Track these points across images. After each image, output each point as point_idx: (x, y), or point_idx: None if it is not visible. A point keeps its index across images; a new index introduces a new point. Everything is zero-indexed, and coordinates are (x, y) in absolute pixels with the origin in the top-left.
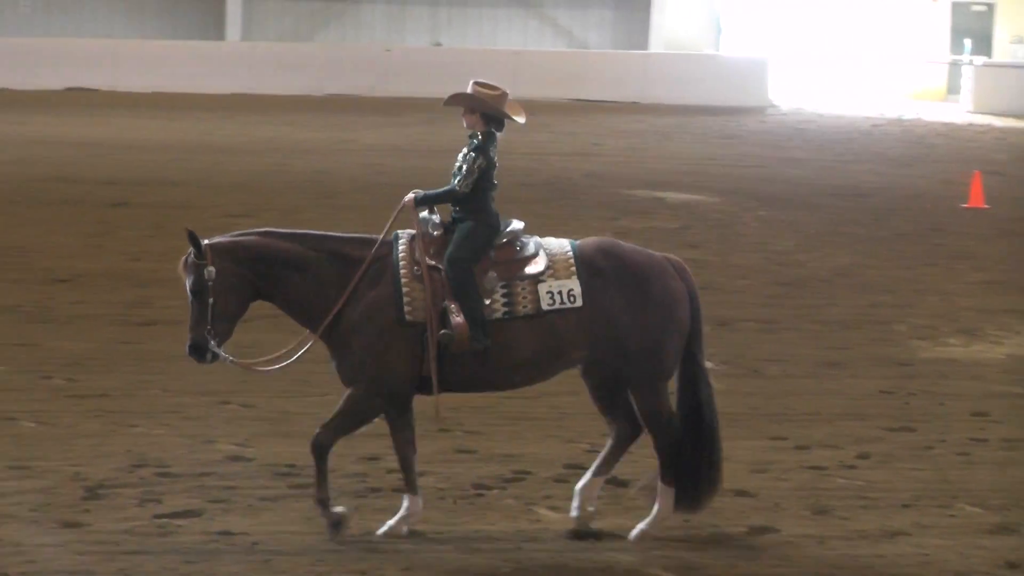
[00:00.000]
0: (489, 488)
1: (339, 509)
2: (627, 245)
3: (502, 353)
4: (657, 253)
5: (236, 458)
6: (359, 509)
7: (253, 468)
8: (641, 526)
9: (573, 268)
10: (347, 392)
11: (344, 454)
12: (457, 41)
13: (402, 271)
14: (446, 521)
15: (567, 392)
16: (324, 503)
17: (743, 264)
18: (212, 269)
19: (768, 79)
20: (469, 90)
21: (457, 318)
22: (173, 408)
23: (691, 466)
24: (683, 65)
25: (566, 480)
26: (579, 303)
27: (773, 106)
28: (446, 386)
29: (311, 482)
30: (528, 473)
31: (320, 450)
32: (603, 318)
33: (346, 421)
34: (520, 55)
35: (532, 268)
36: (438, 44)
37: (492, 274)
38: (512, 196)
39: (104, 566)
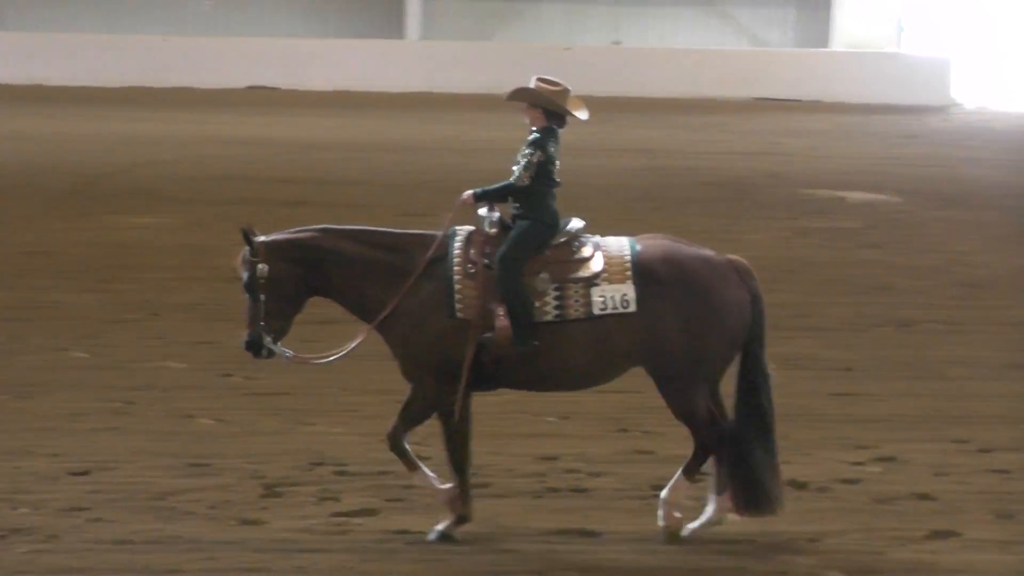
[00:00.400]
0: None
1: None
2: (687, 248)
3: (552, 355)
4: (718, 256)
5: (419, 458)
6: (537, 509)
7: (430, 467)
8: (700, 520)
9: (628, 272)
10: (414, 389)
11: (522, 454)
12: (637, 40)
13: (456, 268)
14: (625, 522)
15: None
16: (463, 520)
17: (925, 265)
18: (264, 266)
19: (951, 77)
20: (531, 85)
21: (501, 320)
22: (351, 407)
23: (758, 468)
24: (865, 64)
25: None
26: (632, 308)
27: (956, 104)
28: (500, 383)
29: (489, 482)
30: (706, 475)
31: (458, 466)
32: (657, 324)
33: (448, 426)
34: (701, 54)
35: (586, 271)
36: (618, 43)
37: (545, 275)
38: (692, 196)
39: (281, 564)
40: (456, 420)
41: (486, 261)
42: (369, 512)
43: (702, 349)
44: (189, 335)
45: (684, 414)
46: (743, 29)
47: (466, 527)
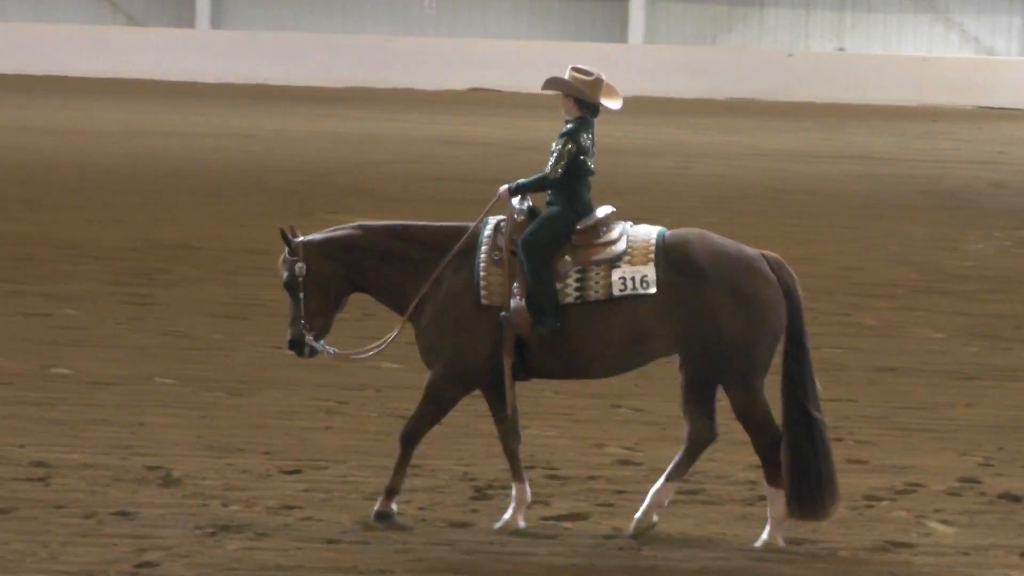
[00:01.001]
0: (880, 499)
1: (394, 507)
2: (717, 238)
3: (575, 338)
4: (751, 249)
5: (625, 462)
6: (745, 518)
7: (642, 472)
8: (763, 536)
9: (651, 255)
10: (426, 379)
11: (733, 461)
12: (861, 47)
13: (482, 256)
14: (835, 532)
15: (962, 404)
16: (391, 493)
17: None
18: (302, 265)
19: None
20: (566, 76)
21: (518, 302)
22: (564, 410)
23: (810, 471)
24: None
25: (959, 494)
26: (652, 289)
27: None
28: (530, 372)
29: (700, 488)
30: (920, 486)
31: (407, 441)
32: (685, 309)
33: (429, 409)
34: (925, 61)
35: (609, 253)
36: (841, 49)
37: (567, 258)
38: (912, 204)
39: (490, 566)
40: (439, 398)
41: (513, 249)
42: (579, 516)
43: (743, 340)
44: (404, 335)
45: (743, 413)
46: (968, 36)
47: (673, 532)
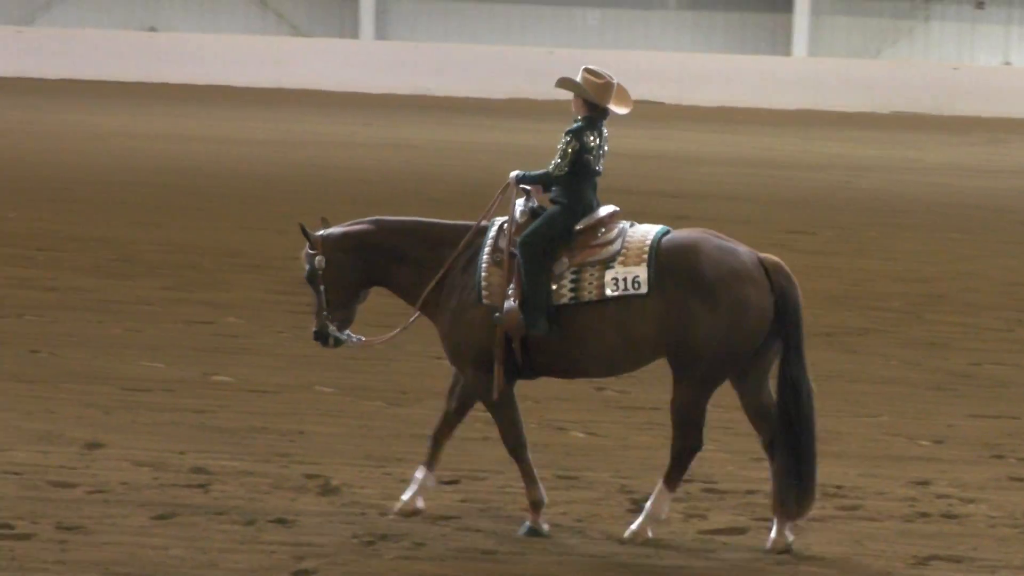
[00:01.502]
0: None
1: (543, 522)
2: (715, 241)
3: (570, 338)
4: (750, 252)
5: None
6: (905, 534)
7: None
8: (632, 527)
9: (645, 256)
10: (466, 388)
11: (894, 477)
12: None
13: (485, 256)
14: (995, 551)
15: None
16: (536, 505)
17: None
18: (322, 258)
19: None
20: (578, 77)
21: (511, 302)
22: (724, 423)
23: (793, 473)
24: None
25: None
26: (643, 290)
27: None
28: (535, 370)
29: (859, 504)
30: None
31: (516, 453)
32: (672, 310)
33: (498, 413)
34: None
35: (603, 253)
36: (1007, 63)
37: (564, 259)
38: None
39: None
40: (499, 405)
41: (513, 249)
42: (737, 531)
43: (715, 345)
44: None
45: (678, 412)
46: None
47: (834, 548)
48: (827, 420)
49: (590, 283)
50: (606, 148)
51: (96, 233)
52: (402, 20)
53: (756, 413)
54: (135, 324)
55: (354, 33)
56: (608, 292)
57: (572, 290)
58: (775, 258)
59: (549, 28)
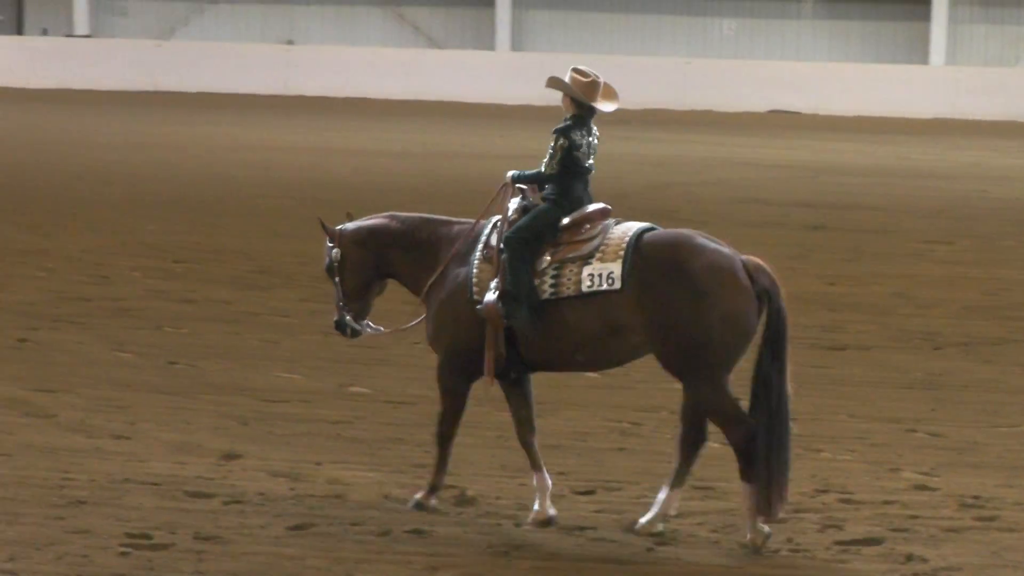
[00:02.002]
0: None
1: (434, 502)
2: (697, 239)
3: (551, 332)
4: (731, 252)
5: (921, 487)
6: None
7: (938, 498)
8: (748, 535)
9: (622, 252)
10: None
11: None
12: None
13: (478, 252)
14: None
15: None
16: (433, 489)
17: None
18: (337, 251)
19: None
20: (567, 77)
21: (491, 294)
22: (860, 434)
23: (764, 472)
24: None
25: None
26: (616, 285)
27: None
28: (524, 364)
29: (996, 515)
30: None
31: (441, 440)
32: (649, 307)
33: (445, 402)
34: None
35: (583, 250)
36: None
37: (547, 255)
38: None
39: None
40: (452, 394)
41: (500, 245)
42: (873, 541)
43: (700, 336)
44: None
45: (708, 408)
46: None
47: (971, 559)
48: (965, 430)
49: (569, 278)
50: (596, 145)
51: (233, 245)
52: (538, 31)
53: (682, 411)
54: (272, 335)
55: (490, 44)
56: (584, 288)
57: (552, 285)
58: (757, 259)
59: (685, 38)
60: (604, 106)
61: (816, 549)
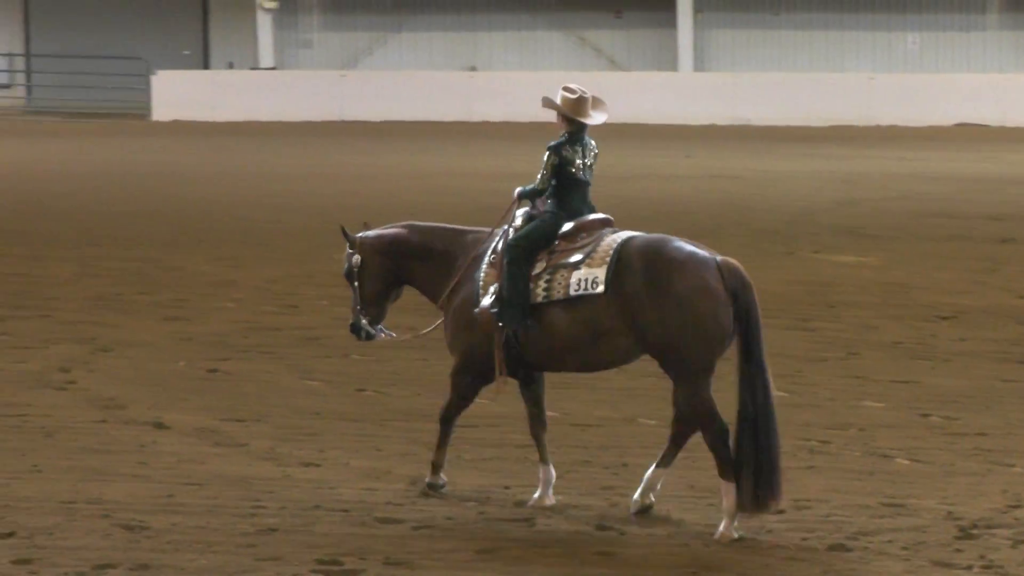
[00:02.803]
0: None
1: (443, 479)
2: (674, 243)
3: (544, 334)
4: (705, 253)
5: None
6: None
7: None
8: (720, 528)
9: (608, 258)
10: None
11: None
12: None
13: (486, 260)
14: None
15: None
16: (436, 467)
17: None
18: (358, 258)
19: None
20: (557, 96)
21: (486, 300)
22: None
23: (748, 467)
24: None
25: None
26: (600, 289)
27: None
28: (526, 366)
29: None
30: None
31: (443, 422)
32: (628, 307)
33: (453, 397)
34: None
35: (574, 257)
36: None
37: (544, 261)
38: None
39: None
40: (462, 390)
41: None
42: None
43: (675, 337)
44: (887, 373)
45: (686, 407)
46: None
47: None
48: None
49: (560, 283)
50: (592, 159)
51: None
52: (720, 51)
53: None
54: None
55: (672, 65)
56: (571, 292)
57: (545, 289)
58: (732, 261)
59: (868, 53)
60: (591, 120)
61: (1009, 566)
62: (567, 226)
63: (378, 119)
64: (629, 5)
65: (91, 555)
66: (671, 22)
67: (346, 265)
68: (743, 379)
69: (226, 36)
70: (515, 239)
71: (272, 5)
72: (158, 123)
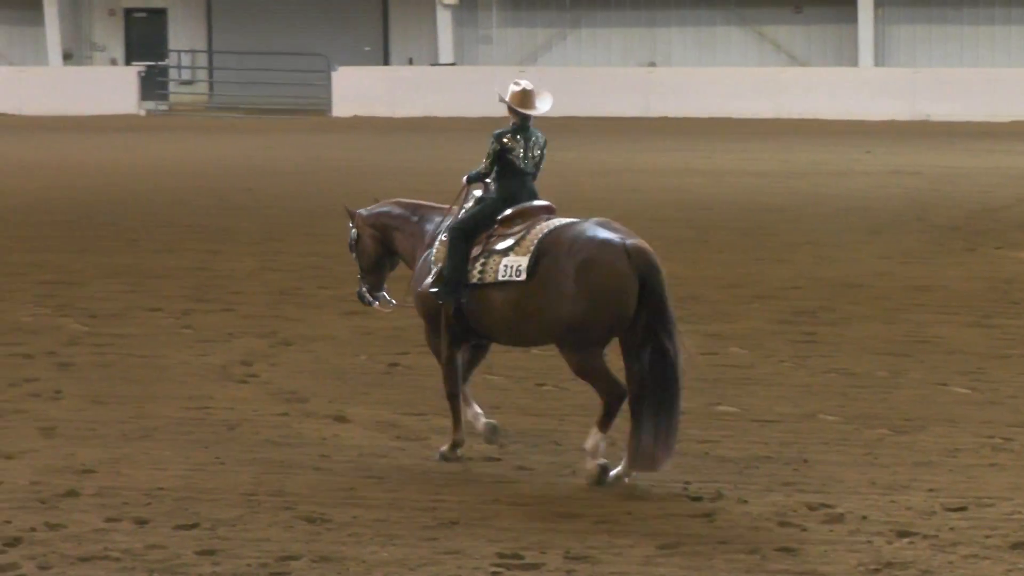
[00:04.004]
0: None
1: (459, 452)
2: (589, 231)
3: (478, 311)
4: (619, 239)
5: None
6: None
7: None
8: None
9: (532, 246)
10: None
11: None
12: None
13: (440, 237)
14: None
15: None
16: (456, 445)
17: None
18: (355, 231)
19: None
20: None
21: (427, 279)
22: None
23: (651, 430)
24: None
25: None
26: (522, 277)
27: None
28: (475, 334)
29: None
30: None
31: (450, 398)
32: (543, 292)
33: (442, 364)
34: None
35: (503, 244)
36: None
37: (481, 244)
38: None
39: None
40: (444, 359)
41: None
42: None
43: (578, 314)
44: None
45: (582, 372)
46: None
47: None
48: None
49: (491, 268)
50: (538, 149)
51: None
52: (901, 46)
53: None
54: None
55: (853, 60)
56: (499, 277)
57: (480, 271)
58: (641, 244)
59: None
60: (536, 111)
61: None
62: (507, 212)
63: (556, 115)
64: (809, 0)
65: (273, 547)
66: (851, 17)
67: (348, 239)
68: (650, 352)
69: (406, 32)
70: (456, 221)
71: (452, 1)
72: (338, 119)
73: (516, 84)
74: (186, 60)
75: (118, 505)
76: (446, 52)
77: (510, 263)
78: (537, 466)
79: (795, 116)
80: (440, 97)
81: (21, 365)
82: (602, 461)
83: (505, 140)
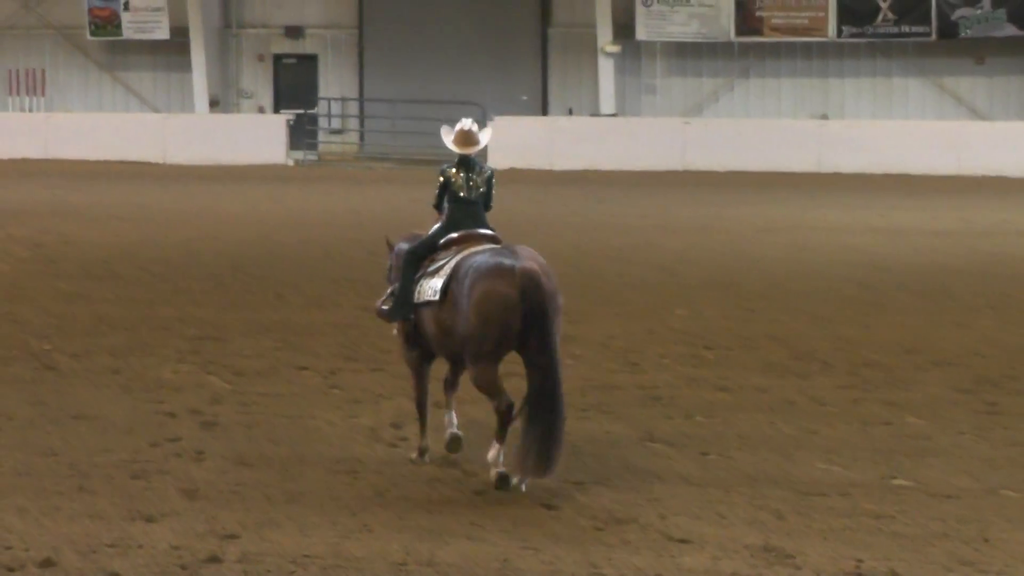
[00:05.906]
0: None
1: (426, 459)
2: (487, 256)
3: (420, 327)
4: (510, 262)
5: None
6: None
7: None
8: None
9: (448, 271)
10: None
11: None
12: None
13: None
14: None
15: None
16: (422, 452)
17: None
18: (389, 262)
19: None
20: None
21: (381, 299)
22: None
23: (535, 439)
24: None
25: None
26: (437, 298)
27: None
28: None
29: None
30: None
31: (416, 406)
32: (452, 311)
33: (411, 375)
34: None
35: (433, 267)
36: None
37: (424, 267)
38: None
39: None
40: (411, 370)
41: None
42: None
43: (470, 331)
44: None
45: (478, 385)
46: None
47: None
48: None
49: (423, 288)
50: (482, 180)
51: (767, 329)
52: None
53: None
54: (810, 424)
55: None
56: (426, 297)
57: (418, 293)
58: (530, 267)
59: None
60: (455, 148)
61: None
62: (452, 236)
63: (722, 169)
64: (993, 51)
65: None
66: None
67: (387, 269)
68: (534, 367)
69: (565, 81)
70: (409, 248)
71: (614, 49)
72: (494, 171)
73: (460, 124)
74: (336, 108)
75: (262, 572)
76: (607, 102)
77: (433, 285)
78: (701, 539)
79: (977, 173)
80: (601, 149)
81: (164, 424)
82: (501, 470)
83: (448, 175)
